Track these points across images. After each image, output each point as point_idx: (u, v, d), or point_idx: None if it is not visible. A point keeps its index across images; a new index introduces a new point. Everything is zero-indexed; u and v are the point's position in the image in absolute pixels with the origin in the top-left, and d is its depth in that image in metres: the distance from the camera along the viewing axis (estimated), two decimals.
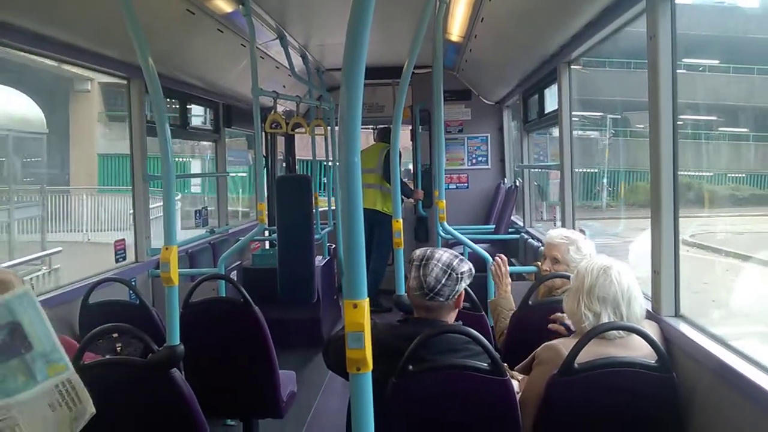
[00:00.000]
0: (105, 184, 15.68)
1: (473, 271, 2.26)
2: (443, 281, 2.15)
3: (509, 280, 3.26)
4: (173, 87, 4.97)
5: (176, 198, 2.86)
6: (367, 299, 1.25)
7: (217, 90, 5.82)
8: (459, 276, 2.18)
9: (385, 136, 7.17)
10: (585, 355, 2.05)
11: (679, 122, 2.46)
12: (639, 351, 2.13)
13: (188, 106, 5.55)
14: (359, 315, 1.24)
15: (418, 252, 2.24)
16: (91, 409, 1.32)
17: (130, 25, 2.22)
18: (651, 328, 2.28)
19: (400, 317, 2.36)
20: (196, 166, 14.05)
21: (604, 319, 2.18)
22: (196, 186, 14.22)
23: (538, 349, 2.26)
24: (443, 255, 2.20)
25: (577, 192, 4.35)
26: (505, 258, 3.31)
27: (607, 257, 2.33)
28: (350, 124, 1.21)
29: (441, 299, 2.17)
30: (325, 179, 6.63)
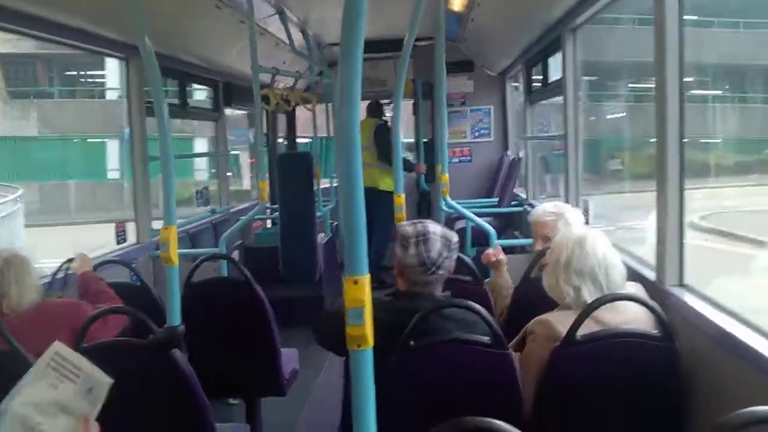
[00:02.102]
0: (7, 172, 13.41)
1: None
2: (445, 254, 2.15)
3: (505, 260, 3.17)
4: (172, 66, 4.91)
5: None
6: (368, 275, 1.23)
7: (216, 68, 5.76)
8: (455, 245, 2.19)
9: (374, 112, 6.96)
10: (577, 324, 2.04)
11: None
12: (629, 314, 2.12)
13: (187, 86, 5.49)
14: (360, 291, 1.22)
15: (408, 229, 2.19)
16: (106, 379, 1.32)
17: (127, 4, 2.18)
18: (635, 290, 2.27)
19: (387, 293, 2.33)
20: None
21: (585, 293, 2.15)
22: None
23: (529, 324, 2.24)
24: (435, 227, 2.19)
25: (581, 163, 4.29)
26: (498, 248, 3.22)
27: (582, 226, 2.29)
28: (350, 98, 1.18)
29: (442, 272, 2.17)
30: None
